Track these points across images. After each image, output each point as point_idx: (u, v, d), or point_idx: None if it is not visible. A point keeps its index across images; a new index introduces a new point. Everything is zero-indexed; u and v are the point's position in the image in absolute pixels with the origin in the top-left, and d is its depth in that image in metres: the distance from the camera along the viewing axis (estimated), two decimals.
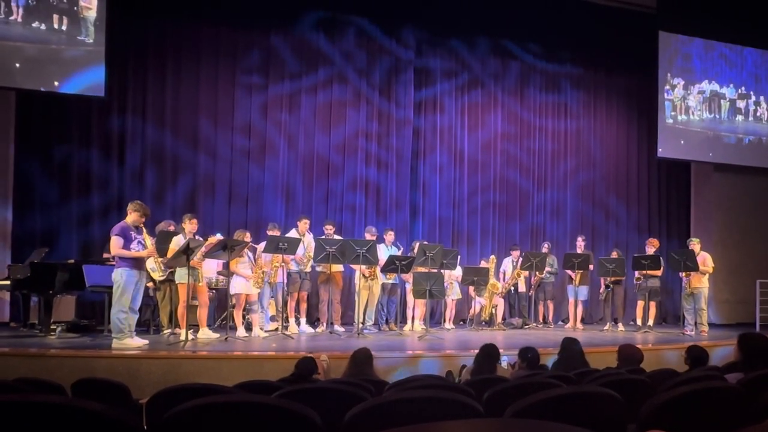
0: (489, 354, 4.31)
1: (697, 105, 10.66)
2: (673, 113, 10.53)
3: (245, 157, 9.10)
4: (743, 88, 10.93)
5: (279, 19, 9.24)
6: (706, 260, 8.49)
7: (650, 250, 8.91)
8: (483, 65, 10.38)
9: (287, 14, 9.26)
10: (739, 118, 10.89)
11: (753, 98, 10.99)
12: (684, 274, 8.49)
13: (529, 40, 10.51)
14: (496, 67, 10.46)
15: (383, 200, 9.76)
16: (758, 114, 11.02)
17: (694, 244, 8.61)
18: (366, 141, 9.68)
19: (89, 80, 7.77)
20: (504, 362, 4.90)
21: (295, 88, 9.37)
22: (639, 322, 8.93)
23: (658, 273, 8.75)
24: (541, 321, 9.42)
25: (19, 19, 7.49)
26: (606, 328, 8.94)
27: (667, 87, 10.47)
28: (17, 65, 7.50)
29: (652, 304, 8.87)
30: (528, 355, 4.35)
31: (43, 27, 7.60)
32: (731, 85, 10.86)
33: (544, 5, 9.92)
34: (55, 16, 7.65)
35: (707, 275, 8.54)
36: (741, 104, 10.89)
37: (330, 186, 9.51)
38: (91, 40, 7.79)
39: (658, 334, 8.36)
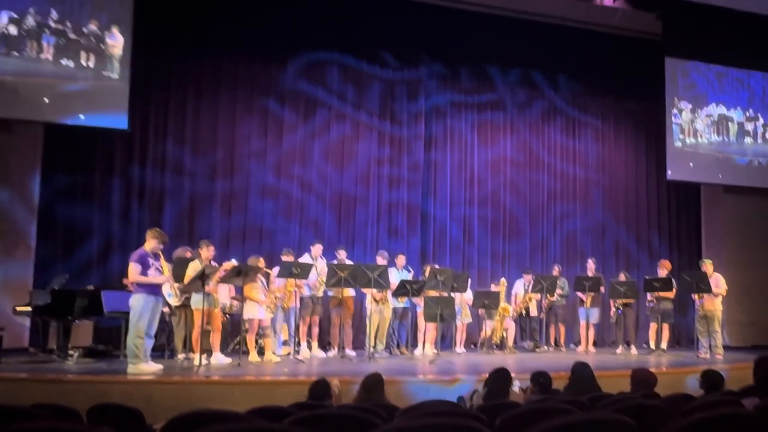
0: (501, 378, 4.30)
1: (705, 128, 10.69)
2: (681, 136, 10.56)
3: (260, 187, 9.22)
4: (751, 111, 10.96)
5: (296, 51, 9.49)
6: (719, 282, 8.43)
7: (662, 273, 8.86)
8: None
9: (305, 48, 9.51)
10: (748, 140, 10.90)
11: (761, 120, 11.00)
12: (697, 296, 8.43)
13: (531, 66, 10.63)
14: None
15: (394, 225, 9.81)
16: (767, 136, 11.03)
17: (707, 266, 8.55)
18: (378, 167, 9.81)
19: (114, 114, 8.01)
20: (516, 387, 4.89)
21: (315, 124, 9.59)
22: (652, 344, 8.85)
23: (671, 295, 8.69)
24: (553, 344, 9.36)
25: (50, 57, 7.81)
26: (619, 351, 8.86)
27: (675, 111, 10.53)
28: (46, 100, 7.77)
29: (665, 327, 8.81)
30: (540, 379, 4.34)
31: (71, 64, 7.89)
32: (738, 108, 10.90)
33: (546, 33, 10.08)
34: (83, 54, 7.93)
35: (720, 297, 8.47)
36: (749, 126, 10.91)
37: (342, 212, 9.61)
38: (117, 76, 8.06)
39: (672, 357, 8.29)
